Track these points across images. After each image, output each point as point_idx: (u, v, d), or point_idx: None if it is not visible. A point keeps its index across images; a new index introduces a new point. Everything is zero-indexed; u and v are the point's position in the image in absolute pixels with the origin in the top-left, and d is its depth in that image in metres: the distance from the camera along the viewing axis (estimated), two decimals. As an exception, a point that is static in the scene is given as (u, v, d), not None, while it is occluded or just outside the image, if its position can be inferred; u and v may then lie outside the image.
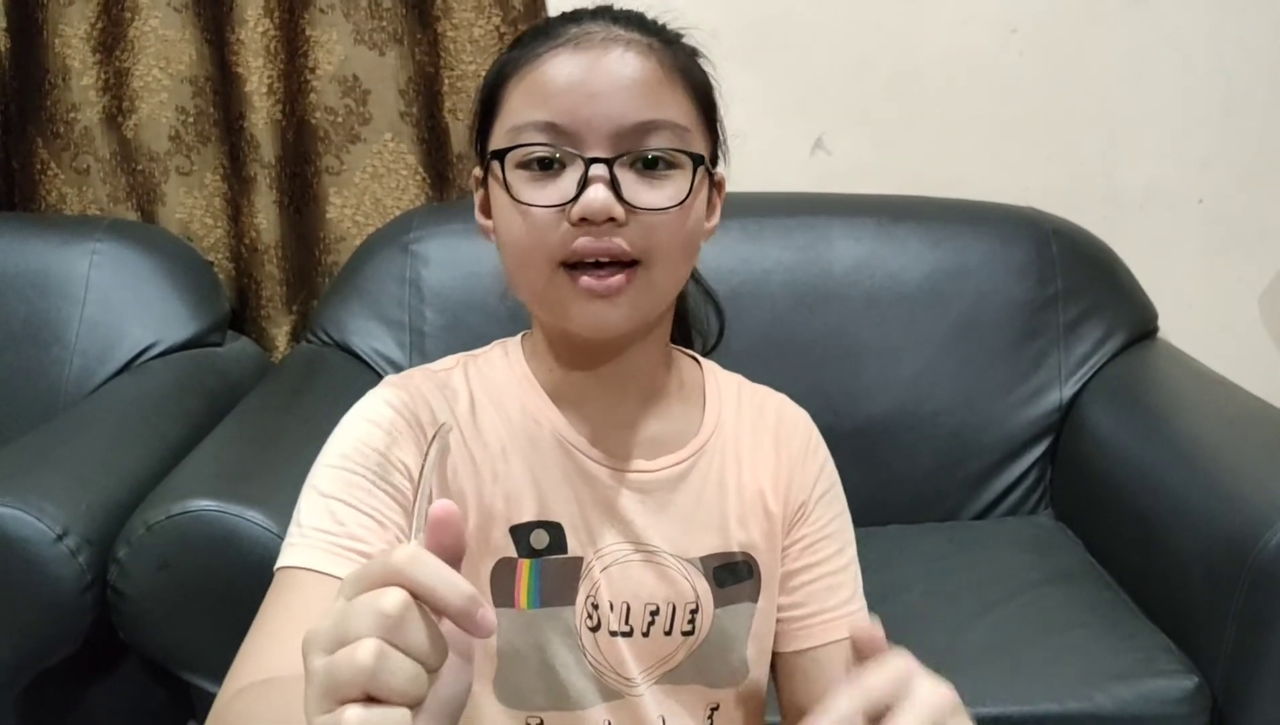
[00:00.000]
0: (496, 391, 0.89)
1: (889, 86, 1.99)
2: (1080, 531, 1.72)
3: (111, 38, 1.86)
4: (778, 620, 0.93)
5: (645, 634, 0.88)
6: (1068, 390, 1.82)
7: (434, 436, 0.66)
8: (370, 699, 0.48)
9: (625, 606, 0.88)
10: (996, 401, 1.81)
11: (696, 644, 0.89)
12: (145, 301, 1.77)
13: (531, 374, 0.89)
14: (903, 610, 1.45)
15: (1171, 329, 1.94)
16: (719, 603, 0.89)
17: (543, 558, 0.86)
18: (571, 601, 0.87)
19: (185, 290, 1.81)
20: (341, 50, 1.87)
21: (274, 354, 1.97)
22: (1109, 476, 1.65)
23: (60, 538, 1.24)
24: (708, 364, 0.97)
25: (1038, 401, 1.82)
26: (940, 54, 1.98)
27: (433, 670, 0.50)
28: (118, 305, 1.75)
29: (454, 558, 0.53)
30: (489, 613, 0.51)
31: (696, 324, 1.02)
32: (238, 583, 1.20)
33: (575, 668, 0.87)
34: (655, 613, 0.88)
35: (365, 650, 0.48)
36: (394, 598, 0.49)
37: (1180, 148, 2.04)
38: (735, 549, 0.90)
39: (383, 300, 1.79)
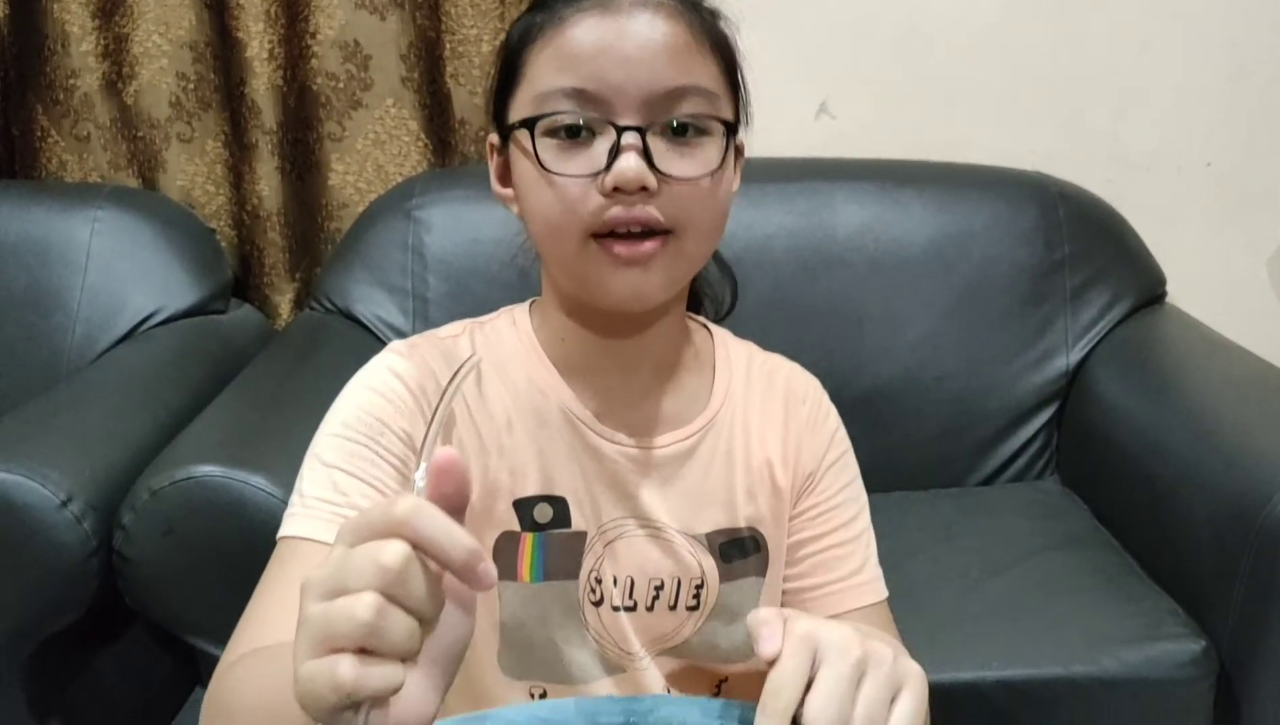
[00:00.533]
0: (503, 362, 0.87)
1: (894, 50, 1.97)
2: (1087, 497, 1.72)
3: (111, 3, 1.84)
4: (784, 592, 0.93)
5: (649, 609, 0.88)
6: (1074, 355, 1.81)
7: (461, 366, 0.66)
8: (362, 650, 0.48)
9: (629, 581, 0.87)
10: (1002, 367, 1.80)
11: (702, 620, 0.89)
12: (147, 269, 1.76)
13: (539, 345, 0.88)
14: (909, 576, 1.44)
15: (1179, 293, 1.92)
16: (725, 578, 0.89)
17: (546, 532, 0.85)
18: (575, 576, 0.86)
19: (187, 258, 1.80)
20: (342, 15, 1.85)
21: (277, 321, 1.96)
22: (1116, 441, 1.64)
23: (65, 504, 1.24)
24: (719, 333, 0.96)
25: (1044, 367, 1.81)
26: (945, 17, 1.96)
27: (429, 623, 0.50)
28: (120, 273, 1.75)
29: (456, 508, 0.52)
30: (490, 566, 0.50)
31: (708, 290, 1.01)
32: (242, 547, 1.20)
33: (578, 641, 0.87)
34: (660, 588, 0.88)
35: (365, 604, 0.47)
36: (396, 551, 0.48)
37: (1188, 111, 2.02)
38: (742, 524, 0.90)
39: (386, 267, 1.78)
